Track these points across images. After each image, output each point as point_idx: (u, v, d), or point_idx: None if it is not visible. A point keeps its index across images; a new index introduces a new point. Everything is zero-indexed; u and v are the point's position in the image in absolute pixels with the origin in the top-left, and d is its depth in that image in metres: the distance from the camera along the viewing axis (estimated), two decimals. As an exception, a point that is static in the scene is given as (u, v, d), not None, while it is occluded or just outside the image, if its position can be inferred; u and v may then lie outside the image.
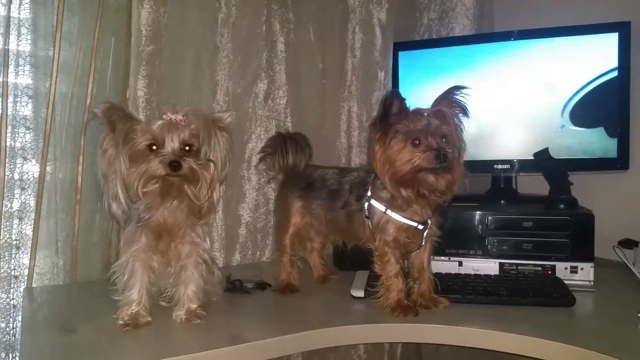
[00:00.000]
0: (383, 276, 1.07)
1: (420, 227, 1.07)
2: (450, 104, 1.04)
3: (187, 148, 0.96)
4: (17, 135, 1.24)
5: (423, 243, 1.09)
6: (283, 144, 1.28)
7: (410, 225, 1.06)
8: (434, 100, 1.06)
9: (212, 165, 0.98)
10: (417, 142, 0.99)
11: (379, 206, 1.07)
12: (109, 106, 0.94)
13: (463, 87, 1.04)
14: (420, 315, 1.04)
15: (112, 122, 0.93)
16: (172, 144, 0.94)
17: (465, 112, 1.05)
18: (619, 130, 1.43)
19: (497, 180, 1.59)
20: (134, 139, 0.94)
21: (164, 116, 0.96)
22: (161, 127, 0.95)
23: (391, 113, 1.01)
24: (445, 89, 1.05)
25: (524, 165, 1.51)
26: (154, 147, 0.95)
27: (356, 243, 1.20)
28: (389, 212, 1.06)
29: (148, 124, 0.96)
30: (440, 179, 1.00)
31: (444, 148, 0.98)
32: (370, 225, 1.09)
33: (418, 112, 1.02)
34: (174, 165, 0.92)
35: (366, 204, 1.09)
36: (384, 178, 1.02)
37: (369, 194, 1.09)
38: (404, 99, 1.02)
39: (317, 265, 1.34)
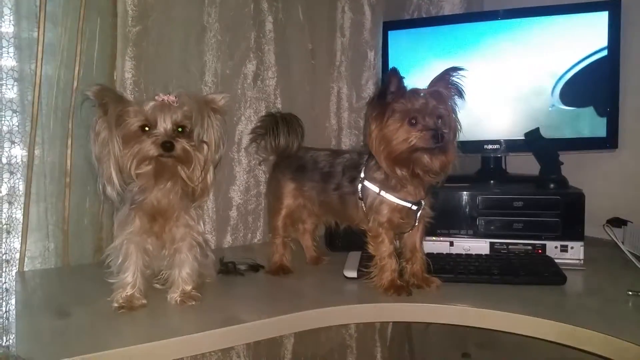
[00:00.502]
0: (377, 257, 1.08)
1: (414, 207, 1.07)
2: (446, 84, 1.04)
3: (180, 129, 0.96)
4: (3, 118, 1.21)
5: (416, 224, 1.10)
6: (274, 124, 1.26)
7: (404, 205, 1.06)
8: (430, 80, 1.05)
9: (205, 147, 0.97)
10: (414, 121, 0.99)
11: (373, 187, 1.07)
12: (100, 88, 0.93)
13: (460, 69, 1.04)
14: (413, 295, 1.05)
15: (104, 104, 0.92)
16: (164, 125, 0.94)
17: (460, 93, 1.05)
18: (608, 110, 1.44)
19: (487, 160, 1.60)
20: (127, 121, 0.93)
21: (156, 97, 0.95)
22: (153, 108, 0.94)
23: (389, 91, 1.01)
24: (441, 69, 1.05)
25: (514, 145, 1.52)
26: (147, 129, 0.94)
27: (349, 224, 1.20)
28: (382, 193, 1.06)
29: (140, 105, 0.95)
30: (435, 160, 1.01)
31: (440, 128, 0.99)
32: (364, 207, 1.10)
33: (415, 91, 1.02)
34: (167, 145, 0.92)
35: (359, 186, 1.10)
36: (380, 157, 1.03)
37: (362, 175, 1.10)
38: (403, 78, 1.01)
39: (310, 247, 1.34)
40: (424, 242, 1.14)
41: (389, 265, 1.07)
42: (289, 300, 1.07)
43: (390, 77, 1.01)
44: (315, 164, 1.21)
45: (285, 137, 1.25)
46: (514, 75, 1.52)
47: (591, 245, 1.27)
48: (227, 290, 1.13)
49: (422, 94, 1.01)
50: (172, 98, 0.95)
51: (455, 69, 1.04)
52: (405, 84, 1.02)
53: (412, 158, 1.00)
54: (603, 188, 1.45)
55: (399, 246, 1.14)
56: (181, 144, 0.93)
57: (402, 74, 1.01)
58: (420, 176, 1.03)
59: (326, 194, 1.18)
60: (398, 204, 1.06)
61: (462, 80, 1.04)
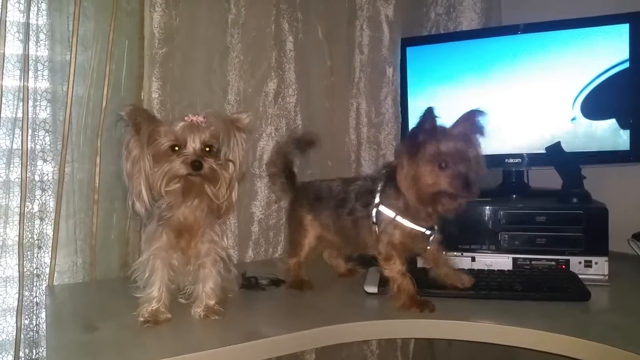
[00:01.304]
0: (392, 278, 1.10)
1: (428, 232, 1.10)
2: (472, 126, 1.05)
3: (207, 149, 0.99)
4: (36, 137, 1.26)
5: (429, 247, 1.13)
6: (288, 165, 1.31)
7: (418, 230, 1.09)
8: (455, 119, 1.07)
9: (231, 165, 1.00)
10: (444, 165, 1.01)
11: (389, 212, 1.10)
12: (133, 108, 0.98)
13: (483, 112, 1.06)
14: (435, 312, 1.05)
15: (137, 124, 0.96)
16: (193, 145, 0.97)
17: (483, 134, 1.06)
18: (632, 122, 1.42)
19: (508, 175, 1.59)
20: (157, 140, 0.97)
21: (186, 118, 0.99)
22: (183, 129, 0.97)
23: (423, 130, 1.03)
24: (466, 110, 1.06)
25: (536, 159, 1.51)
26: (176, 148, 0.97)
27: (361, 251, 1.25)
28: (398, 218, 1.09)
29: (170, 125, 0.99)
30: (460, 205, 1.05)
31: (469, 175, 1.00)
32: (377, 231, 1.12)
33: (446, 133, 1.03)
34: (196, 165, 0.95)
35: (374, 210, 1.12)
36: (408, 194, 1.05)
37: (376, 200, 1.12)
38: (437, 118, 1.02)
39: (339, 265, 1.37)
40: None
41: (405, 284, 1.08)
42: (310, 316, 1.07)
43: (425, 117, 1.02)
44: (330, 192, 1.24)
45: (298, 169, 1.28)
46: (535, 89, 1.52)
47: (616, 260, 1.25)
48: (249, 305, 1.15)
49: (452, 137, 1.03)
50: (200, 119, 0.99)
51: (480, 112, 1.06)
52: (438, 124, 1.03)
53: (439, 199, 1.03)
54: (627, 202, 1.43)
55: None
56: (209, 164, 0.97)
57: (436, 114, 1.02)
58: (439, 210, 1.06)
59: (340, 218, 1.20)
60: (412, 229, 1.09)
61: (485, 122, 1.05)
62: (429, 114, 1.02)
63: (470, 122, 1.05)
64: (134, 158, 0.96)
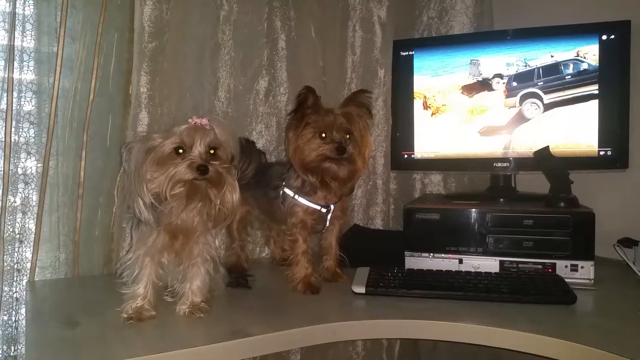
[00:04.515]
0: (292, 254, 1.22)
1: (324, 210, 1.23)
2: (357, 105, 1.21)
3: (211, 152, 0.98)
4: (21, 130, 1.24)
5: (327, 225, 1.26)
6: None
7: (315, 209, 1.22)
8: (343, 100, 1.24)
9: (234, 170, 1.00)
10: (324, 135, 1.15)
11: (290, 192, 1.24)
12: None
13: (368, 91, 1.24)
14: (421, 312, 1.05)
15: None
16: (199, 148, 0.96)
17: (370, 113, 1.23)
18: (618, 129, 1.43)
19: (496, 179, 1.60)
20: (161, 143, 0.95)
21: (190, 120, 0.98)
22: (188, 131, 0.96)
23: (305, 106, 1.16)
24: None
25: (524, 163, 1.52)
26: (180, 151, 0.96)
27: (279, 225, 1.39)
28: (296, 197, 1.22)
29: (172, 127, 0.98)
30: (341, 169, 1.17)
31: (345, 142, 1.15)
32: (285, 210, 1.24)
33: (329, 110, 1.18)
34: (202, 169, 0.94)
35: (281, 192, 1.26)
36: (295, 163, 1.19)
37: (283, 183, 1.25)
38: (319, 97, 1.17)
39: (276, 252, 1.49)
40: (339, 242, 1.31)
41: (302, 263, 1.21)
42: (297, 315, 1.07)
43: (306, 94, 1.16)
44: (256, 175, 1.31)
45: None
46: (523, 93, 1.53)
47: (602, 265, 1.26)
48: (235, 304, 1.13)
49: (334, 113, 1.17)
50: (204, 121, 0.98)
51: (364, 91, 1.23)
52: (320, 103, 1.17)
53: (322, 167, 1.16)
54: (614, 208, 1.44)
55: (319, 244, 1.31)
56: (215, 167, 0.96)
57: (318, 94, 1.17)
58: (328, 183, 1.19)
59: (260, 199, 1.34)
60: (309, 207, 1.22)
61: (370, 100, 1.23)
62: (309, 91, 1.16)
63: (355, 102, 1.21)
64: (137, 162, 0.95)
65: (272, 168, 1.36)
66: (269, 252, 1.56)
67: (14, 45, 1.20)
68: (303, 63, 1.62)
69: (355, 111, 1.20)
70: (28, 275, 1.25)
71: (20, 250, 1.25)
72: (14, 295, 1.24)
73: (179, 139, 0.96)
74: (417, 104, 1.64)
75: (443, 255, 1.32)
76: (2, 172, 1.21)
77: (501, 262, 1.29)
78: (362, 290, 1.16)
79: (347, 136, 1.17)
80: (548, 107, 1.50)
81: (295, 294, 1.20)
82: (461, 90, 1.59)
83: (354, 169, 1.18)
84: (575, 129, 1.47)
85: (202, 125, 0.97)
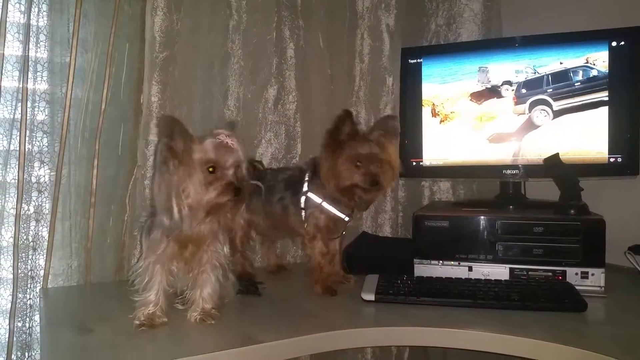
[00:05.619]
0: (313, 256, 1.27)
1: (347, 218, 1.29)
2: (387, 131, 1.25)
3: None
4: (34, 139, 1.26)
5: (344, 232, 1.32)
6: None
7: (339, 216, 1.28)
8: (372, 125, 1.29)
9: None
10: (359, 164, 1.20)
11: (316, 198, 1.27)
12: (171, 120, 0.95)
13: (396, 117, 1.35)
14: (430, 319, 1.05)
15: (172, 136, 0.94)
16: (232, 170, 0.97)
17: (397, 136, 1.27)
18: (629, 136, 1.43)
19: (505, 186, 1.59)
20: (193, 158, 0.95)
21: (217, 137, 0.97)
22: (218, 150, 0.96)
23: (343, 130, 1.20)
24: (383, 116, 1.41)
25: (533, 171, 1.52)
26: (210, 169, 0.96)
27: (287, 235, 1.46)
28: (324, 203, 1.26)
29: (202, 143, 0.97)
30: (372, 195, 1.25)
31: (378, 174, 1.20)
32: (304, 215, 1.28)
33: (365, 137, 1.22)
34: (237, 191, 0.96)
35: (303, 197, 1.28)
36: (326, 181, 1.23)
37: (305, 188, 1.28)
38: (357, 123, 1.23)
39: (271, 258, 1.52)
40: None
41: (324, 265, 1.26)
42: (307, 322, 1.07)
43: (345, 119, 1.20)
44: (260, 180, 1.31)
45: None
46: (532, 101, 1.53)
47: (612, 273, 1.25)
48: (245, 310, 1.14)
49: (368, 141, 1.21)
50: (232, 141, 0.98)
51: (393, 117, 1.33)
52: (357, 129, 1.22)
53: (353, 191, 1.22)
54: (624, 215, 1.43)
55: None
56: (246, 189, 0.98)
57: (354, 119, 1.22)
58: (356, 201, 1.25)
59: (269, 205, 1.34)
60: (335, 214, 1.27)
61: (398, 125, 1.28)
62: (348, 117, 1.20)
63: (385, 128, 1.25)
64: (168, 175, 0.94)
65: (283, 173, 1.38)
66: (265, 260, 1.55)
67: (28, 56, 1.22)
68: (312, 71, 1.64)
69: (387, 139, 1.25)
70: (41, 283, 1.27)
71: (33, 257, 1.27)
72: (28, 302, 1.26)
73: (213, 158, 0.96)
74: (426, 112, 1.64)
75: (452, 262, 1.31)
76: (16, 181, 1.24)
77: (511, 270, 1.28)
78: (371, 297, 1.16)
79: (379, 165, 1.21)
80: (557, 114, 1.50)
81: (304, 300, 1.20)
82: (470, 98, 1.59)
83: (383, 193, 1.31)
84: (585, 135, 1.47)
85: (231, 145, 0.97)
